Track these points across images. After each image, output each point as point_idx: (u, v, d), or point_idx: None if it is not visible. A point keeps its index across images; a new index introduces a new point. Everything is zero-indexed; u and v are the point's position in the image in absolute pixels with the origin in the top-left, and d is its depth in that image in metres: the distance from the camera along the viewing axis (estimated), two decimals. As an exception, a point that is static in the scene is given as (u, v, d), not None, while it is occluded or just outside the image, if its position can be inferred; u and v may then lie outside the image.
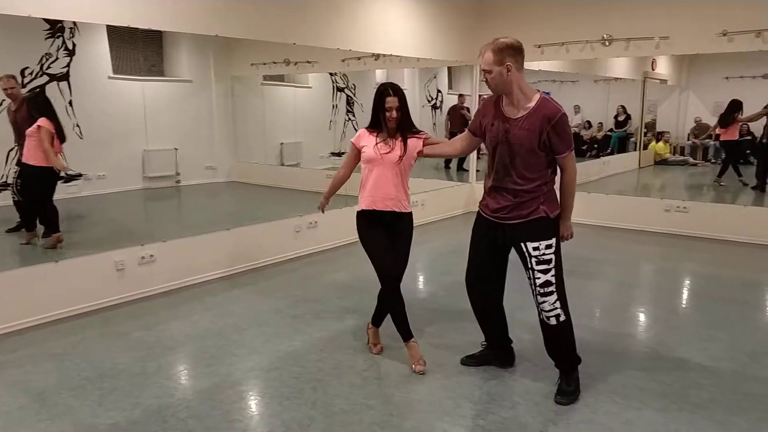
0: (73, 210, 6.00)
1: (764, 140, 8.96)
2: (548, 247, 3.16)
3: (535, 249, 3.16)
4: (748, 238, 6.84)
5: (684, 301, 5.14)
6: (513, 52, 3.05)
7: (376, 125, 3.57)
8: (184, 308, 4.72)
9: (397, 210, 3.57)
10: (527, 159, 3.11)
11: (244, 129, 8.79)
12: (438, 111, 11.65)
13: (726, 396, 3.28)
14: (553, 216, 3.19)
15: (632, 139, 11.74)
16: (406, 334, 3.62)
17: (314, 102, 9.38)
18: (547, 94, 3.22)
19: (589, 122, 11.89)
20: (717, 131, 10.01)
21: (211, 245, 5.51)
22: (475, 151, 9.04)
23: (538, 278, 3.17)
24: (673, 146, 12.17)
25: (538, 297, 3.21)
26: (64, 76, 6.76)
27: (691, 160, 11.96)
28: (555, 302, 3.18)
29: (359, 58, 7.28)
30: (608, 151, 11.63)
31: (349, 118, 9.35)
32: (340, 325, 4.32)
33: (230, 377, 3.50)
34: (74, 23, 6.37)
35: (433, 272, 5.89)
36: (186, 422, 3.01)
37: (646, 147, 11.88)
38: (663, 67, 10.74)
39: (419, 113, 10.61)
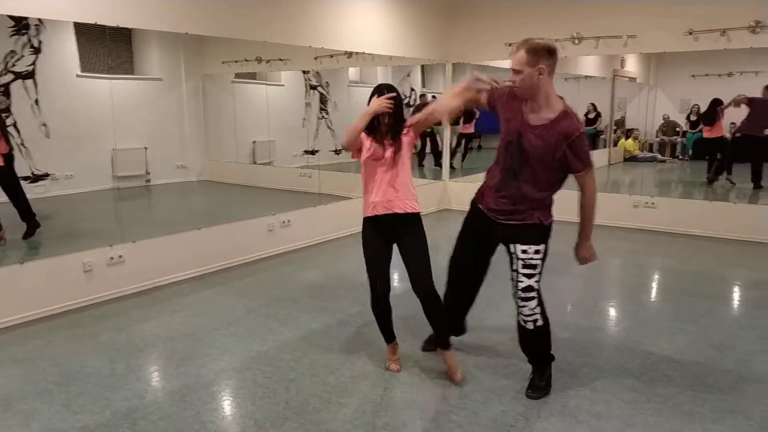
0: (40, 210, 5.90)
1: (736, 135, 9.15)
2: (537, 252, 3.16)
3: (524, 252, 3.15)
4: (713, 233, 6.97)
5: (652, 295, 5.22)
6: (548, 55, 2.93)
7: (370, 128, 3.39)
8: (154, 309, 4.68)
9: (400, 211, 3.36)
10: (537, 171, 3.06)
11: (215, 127, 8.72)
12: (412, 109, 11.69)
13: (692, 387, 3.35)
14: (546, 223, 3.21)
15: (602, 137, 11.88)
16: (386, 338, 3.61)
17: (287, 100, 9.34)
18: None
19: (559, 120, 11.98)
20: (703, 129, 10.15)
21: (182, 245, 5.46)
22: (447, 147, 9.11)
23: (521, 281, 3.17)
24: (642, 143, 12.35)
25: (519, 301, 3.19)
26: (30, 74, 6.63)
27: (659, 156, 12.15)
28: (535, 308, 3.18)
29: (332, 56, 7.26)
30: (579, 148, 11.74)
31: (323, 116, 9.32)
32: (313, 325, 4.31)
33: (202, 378, 3.48)
34: (40, 20, 6.24)
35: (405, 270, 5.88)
36: (157, 424, 2.98)
37: (615, 144, 12.04)
38: (632, 66, 10.88)
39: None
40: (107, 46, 7.38)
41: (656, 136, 12.27)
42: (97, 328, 4.25)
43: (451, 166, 9.33)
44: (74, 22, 5.61)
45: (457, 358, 3.48)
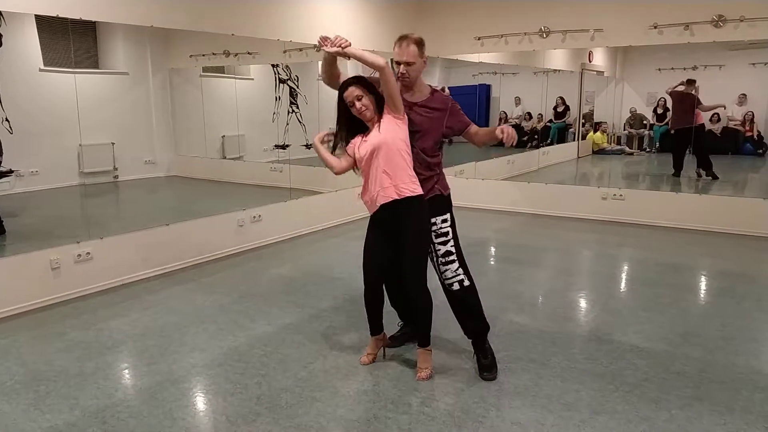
0: (4, 208, 5.78)
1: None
2: (444, 221, 3.43)
3: (433, 224, 3.40)
4: (680, 224, 7.10)
5: (620, 286, 5.30)
6: (424, 47, 3.44)
7: (353, 130, 3.35)
8: (123, 306, 4.62)
9: (398, 197, 3.22)
10: (425, 141, 3.40)
11: (183, 122, 8.60)
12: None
13: (659, 375, 3.41)
14: (446, 193, 3.48)
15: (571, 130, 11.99)
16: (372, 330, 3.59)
17: (256, 94, 9.25)
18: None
19: (529, 113, 12.07)
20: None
21: (151, 241, 5.40)
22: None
23: (439, 249, 3.42)
24: (610, 136, 12.50)
25: (441, 267, 3.43)
26: (-9, 69, 6.49)
27: (627, 149, 12.29)
28: (457, 269, 3.42)
29: (301, 50, 7.22)
30: (548, 141, 11.86)
31: (293, 110, 9.26)
32: (284, 320, 4.30)
33: (172, 375, 3.45)
34: (0, 13, 6.12)
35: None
36: (127, 422, 2.95)
37: (584, 137, 12.15)
38: (599, 59, 11.00)
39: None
40: (71, 40, 7.24)
41: (624, 129, 12.42)
42: (64, 327, 4.19)
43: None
44: (36, 15, 5.50)
45: (429, 358, 3.44)
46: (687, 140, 9.35)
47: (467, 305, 3.49)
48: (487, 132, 3.47)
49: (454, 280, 3.42)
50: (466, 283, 3.44)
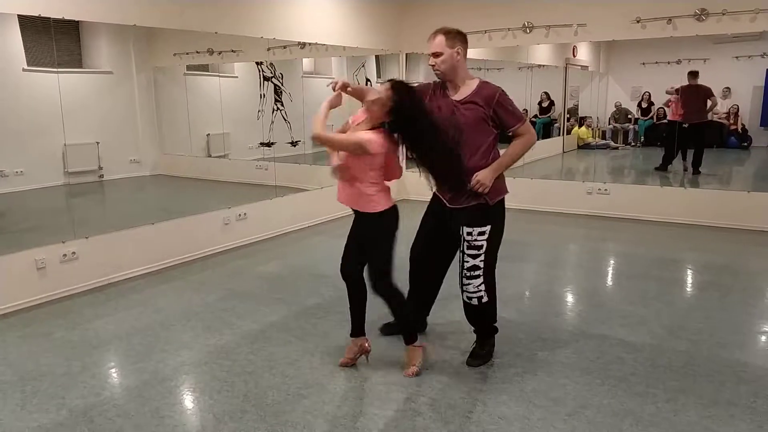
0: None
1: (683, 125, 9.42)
2: (481, 234, 3.30)
3: (468, 234, 3.31)
4: (663, 217, 7.16)
5: (606, 280, 5.35)
6: (462, 39, 3.29)
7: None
8: (109, 306, 4.60)
9: (357, 208, 3.36)
10: (474, 140, 3.27)
11: (168, 121, 8.57)
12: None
13: (645, 369, 3.44)
14: (492, 203, 3.30)
15: (556, 125, 12.05)
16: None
17: (241, 92, 9.23)
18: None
19: (514, 109, 12.11)
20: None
21: (137, 240, 5.38)
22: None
23: (467, 261, 3.34)
24: (595, 131, 12.57)
25: (464, 279, 3.37)
26: (-26, 69, 6.44)
27: (612, 143, 12.37)
28: (479, 285, 3.35)
29: (285, 47, 7.21)
30: (533, 136, 11.89)
31: (278, 108, 9.24)
32: (271, 317, 4.30)
33: (159, 373, 3.45)
34: (-18, 13, 6.08)
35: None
36: (114, 421, 2.95)
37: (569, 132, 12.21)
38: (583, 54, 11.05)
39: (348, 102, 10.60)
40: (54, 40, 7.19)
41: (609, 124, 12.49)
42: (50, 327, 4.17)
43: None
44: (18, 15, 5.46)
45: (416, 354, 3.41)
46: (701, 135, 9.34)
47: (482, 316, 3.52)
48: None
49: (474, 296, 3.38)
50: (485, 299, 3.39)
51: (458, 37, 3.28)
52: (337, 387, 3.27)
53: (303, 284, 5.03)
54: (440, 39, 3.26)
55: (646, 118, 11.50)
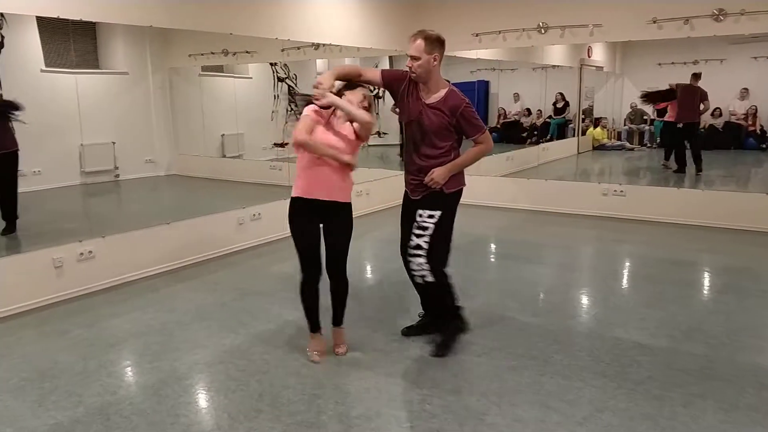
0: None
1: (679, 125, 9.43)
2: (430, 216, 3.52)
3: (419, 216, 3.53)
4: (681, 219, 7.10)
5: (621, 282, 5.31)
6: (440, 45, 3.42)
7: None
8: (125, 305, 4.63)
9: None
10: (435, 141, 3.50)
11: (183, 121, 8.61)
12: (381, 101, 11.67)
13: (662, 372, 3.41)
14: (447, 191, 3.53)
15: (571, 126, 12.00)
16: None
17: (255, 92, 9.25)
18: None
19: (528, 110, 12.09)
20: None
21: (152, 240, 5.42)
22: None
23: (412, 240, 3.54)
24: (610, 131, 12.50)
25: (408, 257, 3.58)
26: (-7, 70, 6.50)
27: (627, 144, 12.30)
28: (422, 264, 3.51)
29: (299, 48, 7.22)
30: (548, 137, 11.87)
31: (291, 109, 9.27)
32: (286, 317, 4.30)
33: (174, 372, 3.47)
34: (2, 15, 6.12)
35: (378, 260, 5.92)
36: (130, 419, 2.97)
37: (584, 133, 12.16)
38: (598, 55, 11.00)
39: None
40: (71, 41, 7.25)
41: (624, 125, 12.43)
42: (68, 325, 4.20)
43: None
44: (37, 16, 5.51)
45: (343, 334, 3.70)
46: (692, 134, 9.35)
47: (433, 297, 3.73)
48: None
49: (417, 274, 3.55)
50: (429, 279, 3.53)
51: (437, 43, 3.40)
52: (351, 387, 3.27)
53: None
54: (419, 43, 3.37)
55: (662, 118, 11.40)
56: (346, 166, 3.38)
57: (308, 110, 3.36)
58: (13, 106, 5.48)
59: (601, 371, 3.43)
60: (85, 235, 5.00)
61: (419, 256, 3.51)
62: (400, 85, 3.56)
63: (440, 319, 3.78)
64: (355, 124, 3.37)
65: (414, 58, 3.38)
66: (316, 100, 3.28)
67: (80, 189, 7.30)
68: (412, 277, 3.62)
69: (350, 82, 3.49)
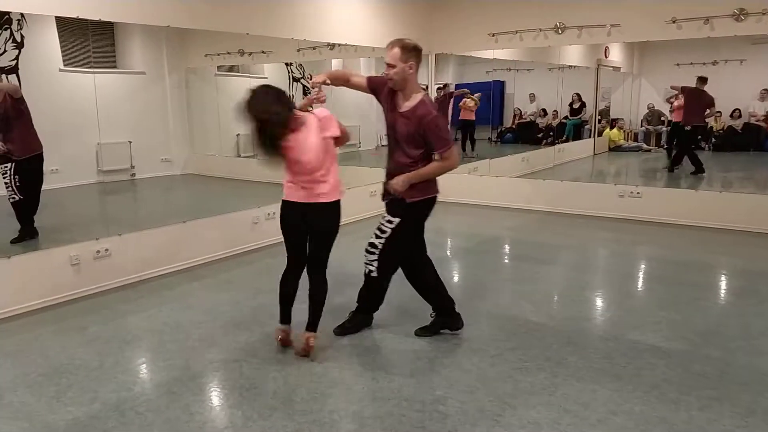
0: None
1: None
2: (389, 222, 3.68)
3: (383, 218, 3.72)
4: (699, 222, 7.03)
5: (637, 285, 5.27)
6: (417, 54, 3.52)
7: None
8: (141, 302, 4.67)
9: None
10: (406, 149, 3.60)
11: (199, 121, 8.67)
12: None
13: (678, 375, 3.38)
14: (409, 200, 3.61)
15: (587, 126, 11.93)
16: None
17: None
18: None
19: (544, 110, 12.04)
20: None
21: (168, 238, 5.45)
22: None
23: (371, 238, 3.74)
24: (626, 133, 12.41)
25: (365, 251, 3.80)
26: (13, 69, 6.56)
27: (644, 146, 12.21)
28: (372, 261, 3.76)
29: (314, 48, 7.24)
30: (563, 138, 11.81)
31: (307, 108, 9.29)
32: (300, 317, 4.28)
33: (189, 370, 3.49)
34: (22, 15, 6.19)
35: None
36: (145, 416, 2.99)
37: (600, 134, 12.08)
38: (616, 55, 10.93)
39: (376, 104, 10.57)
40: (90, 40, 7.31)
41: (641, 126, 12.33)
42: (84, 322, 4.24)
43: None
44: (56, 16, 5.56)
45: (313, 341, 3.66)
46: (697, 137, 9.34)
47: (367, 287, 3.93)
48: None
49: (367, 267, 3.81)
50: (374, 274, 3.78)
51: (413, 52, 3.49)
52: (364, 387, 3.28)
53: (331, 284, 5.00)
54: (396, 52, 3.45)
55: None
56: (331, 167, 3.55)
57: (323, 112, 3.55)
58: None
59: (615, 374, 3.41)
60: (102, 233, 5.05)
61: (372, 253, 3.75)
62: (383, 90, 3.66)
63: (361, 306, 4.03)
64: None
65: (390, 66, 3.48)
66: (317, 96, 3.59)
67: (97, 187, 7.37)
68: (364, 265, 3.85)
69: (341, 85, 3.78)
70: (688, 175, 9.45)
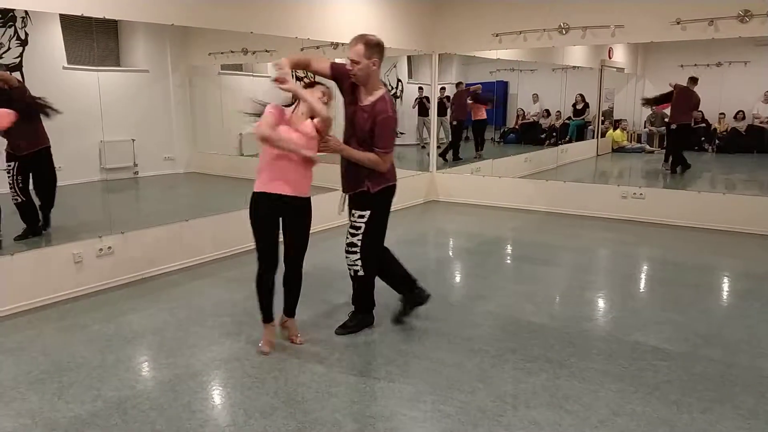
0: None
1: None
2: (361, 216, 3.78)
3: (352, 215, 3.81)
4: (702, 223, 7.02)
5: (640, 286, 5.26)
6: (380, 51, 3.59)
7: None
8: (143, 300, 4.67)
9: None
10: (362, 143, 3.68)
11: (202, 119, 8.67)
12: (399, 100, 11.66)
13: (680, 377, 3.38)
14: (373, 191, 3.72)
15: (590, 127, 11.91)
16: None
17: (274, 91, 9.26)
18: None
19: (547, 111, 12.03)
20: None
21: (171, 237, 5.46)
22: (434, 138, 9.13)
23: (347, 238, 3.83)
24: (630, 134, 12.39)
25: (345, 253, 3.86)
26: (17, 67, 6.57)
27: (647, 147, 12.17)
28: (356, 260, 3.82)
29: (318, 47, 7.23)
30: (567, 139, 11.79)
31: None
32: (301, 315, 4.30)
33: (191, 368, 3.49)
34: (26, 12, 6.20)
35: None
36: (147, 414, 2.99)
37: (603, 135, 12.06)
38: (619, 56, 10.90)
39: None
40: (93, 38, 7.32)
41: (644, 127, 12.30)
42: (86, 319, 4.25)
43: (449, 159, 9.34)
44: (60, 14, 5.57)
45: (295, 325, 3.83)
46: (687, 136, 9.36)
47: (358, 289, 3.97)
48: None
49: (352, 268, 3.87)
50: (361, 273, 3.85)
51: (376, 49, 3.57)
52: (366, 386, 3.28)
53: (332, 282, 5.04)
54: (360, 48, 3.52)
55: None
56: (307, 162, 3.52)
57: (270, 108, 3.53)
58: (50, 107, 5.54)
59: (617, 375, 3.40)
60: (105, 230, 5.05)
61: (354, 253, 3.82)
62: (346, 81, 3.71)
63: (356, 307, 4.05)
64: (317, 120, 3.51)
65: (354, 62, 3.54)
66: (279, 81, 3.47)
67: (100, 185, 7.37)
68: (348, 269, 3.91)
69: (303, 69, 3.87)
70: (691, 176, 9.44)
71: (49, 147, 5.59)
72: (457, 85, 11.18)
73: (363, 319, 4.04)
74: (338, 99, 3.81)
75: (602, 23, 7.21)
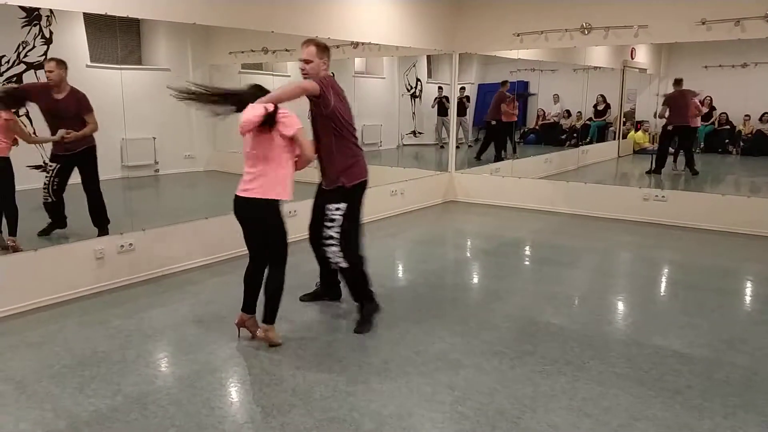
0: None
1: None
2: (337, 209, 3.96)
3: (328, 209, 3.98)
4: (724, 227, 6.93)
5: (661, 289, 5.21)
6: (328, 53, 3.98)
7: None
8: (163, 296, 4.71)
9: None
10: (327, 139, 3.98)
11: (222, 118, 8.73)
12: (418, 100, 11.64)
13: (702, 382, 3.33)
14: (348, 186, 3.96)
15: (611, 129, 11.82)
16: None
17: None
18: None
19: (568, 111, 11.95)
20: None
21: (191, 234, 5.50)
22: (454, 138, 9.10)
23: (324, 232, 3.98)
24: (652, 135, 12.26)
25: (323, 247, 4.00)
26: (42, 65, 6.66)
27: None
28: (337, 252, 3.95)
29: (338, 47, 7.24)
30: (587, 140, 11.71)
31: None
32: (320, 313, 4.33)
33: (210, 364, 3.51)
34: (51, 11, 6.27)
35: (411, 261, 5.91)
36: (167, 409, 3.01)
37: (625, 136, 11.96)
38: (642, 56, 10.80)
39: (398, 102, 10.59)
40: (116, 37, 7.39)
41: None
42: (108, 315, 4.29)
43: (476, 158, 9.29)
44: (84, 13, 5.63)
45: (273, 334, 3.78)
46: (685, 137, 9.64)
47: (348, 280, 4.08)
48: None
49: (333, 261, 4.00)
50: (344, 265, 3.97)
51: (326, 51, 3.96)
52: (383, 386, 3.27)
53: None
54: (312, 49, 3.89)
55: (706, 123, 11.15)
56: (278, 161, 3.78)
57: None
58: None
59: (638, 379, 3.37)
60: (126, 227, 5.10)
61: (332, 245, 3.96)
62: (335, 88, 4.01)
63: (358, 300, 4.11)
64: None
65: (307, 62, 3.88)
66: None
67: (121, 183, 7.44)
68: (333, 264, 4.03)
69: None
70: (715, 178, 9.33)
71: (95, 147, 5.72)
72: (502, 84, 10.96)
73: (369, 310, 4.11)
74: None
75: (625, 23, 7.14)
